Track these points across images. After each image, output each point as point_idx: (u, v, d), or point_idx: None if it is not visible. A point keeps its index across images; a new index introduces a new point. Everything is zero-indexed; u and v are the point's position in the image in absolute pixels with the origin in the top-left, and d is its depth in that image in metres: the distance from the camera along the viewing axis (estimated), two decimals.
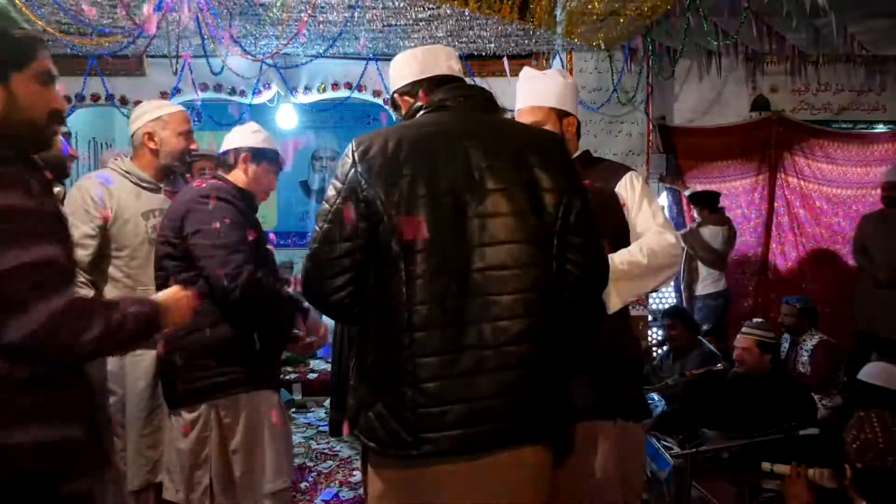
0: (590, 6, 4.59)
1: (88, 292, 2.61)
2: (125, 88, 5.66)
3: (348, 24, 4.45)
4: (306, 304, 2.46)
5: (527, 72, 2.26)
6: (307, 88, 5.94)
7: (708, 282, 5.65)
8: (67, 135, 3.67)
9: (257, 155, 2.63)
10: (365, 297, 1.62)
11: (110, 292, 2.66)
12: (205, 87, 5.71)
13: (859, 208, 6.21)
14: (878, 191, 5.52)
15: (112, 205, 2.67)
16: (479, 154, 1.61)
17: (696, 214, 5.68)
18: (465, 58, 5.34)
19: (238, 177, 2.62)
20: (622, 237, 2.13)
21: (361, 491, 3.51)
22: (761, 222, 6.32)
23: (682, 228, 5.69)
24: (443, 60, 1.79)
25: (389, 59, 1.91)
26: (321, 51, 5.05)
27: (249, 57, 4.80)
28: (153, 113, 2.76)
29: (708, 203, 5.61)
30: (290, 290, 2.58)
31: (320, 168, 8.70)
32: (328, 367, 5.44)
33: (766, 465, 2.54)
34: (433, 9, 4.30)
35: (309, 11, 4.05)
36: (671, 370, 4.18)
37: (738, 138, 6.23)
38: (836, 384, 4.51)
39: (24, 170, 1.42)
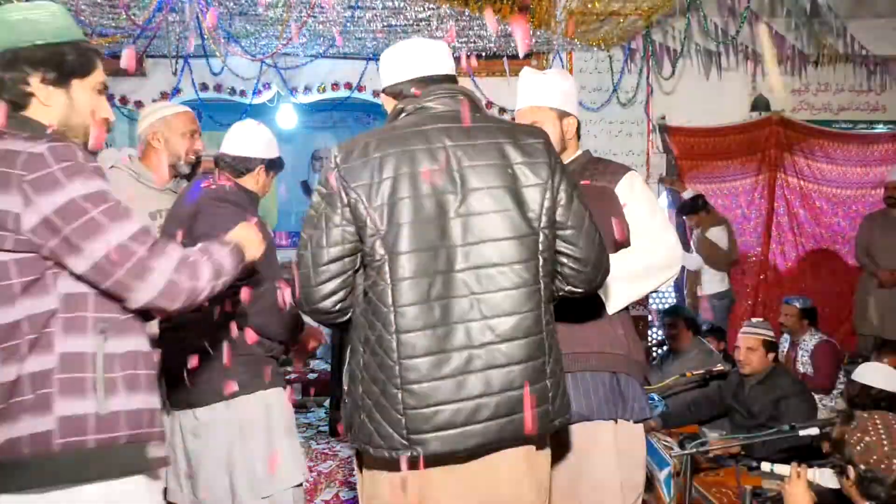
0: (590, 6, 4.60)
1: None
2: (125, 88, 5.67)
3: (348, 24, 4.45)
4: None
5: (527, 72, 2.26)
6: (307, 88, 5.94)
7: (714, 281, 5.62)
8: None
9: (271, 166, 2.66)
10: (354, 300, 1.63)
11: None
12: (205, 87, 5.71)
13: (859, 208, 6.21)
14: (879, 191, 5.52)
15: None
16: (460, 154, 1.61)
17: (694, 224, 5.59)
18: (466, 58, 5.34)
19: (248, 182, 2.64)
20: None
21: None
22: (761, 222, 6.32)
23: (681, 230, 5.65)
24: (428, 58, 1.75)
25: None
26: (321, 51, 5.06)
27: (249, 57, 4.80)
28: (159, 113, 2.79)
29: (698, 208, 5.55)
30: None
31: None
32: (328, 367, 5.44)
33: (766, 465, 2.54)
34: (433, 9, 4.30)
35: (309, 11, 4.05)
36: (671, 370, 4.17)
37: (738, 138, 6.23)
38: (836, 384, 4.52)
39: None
